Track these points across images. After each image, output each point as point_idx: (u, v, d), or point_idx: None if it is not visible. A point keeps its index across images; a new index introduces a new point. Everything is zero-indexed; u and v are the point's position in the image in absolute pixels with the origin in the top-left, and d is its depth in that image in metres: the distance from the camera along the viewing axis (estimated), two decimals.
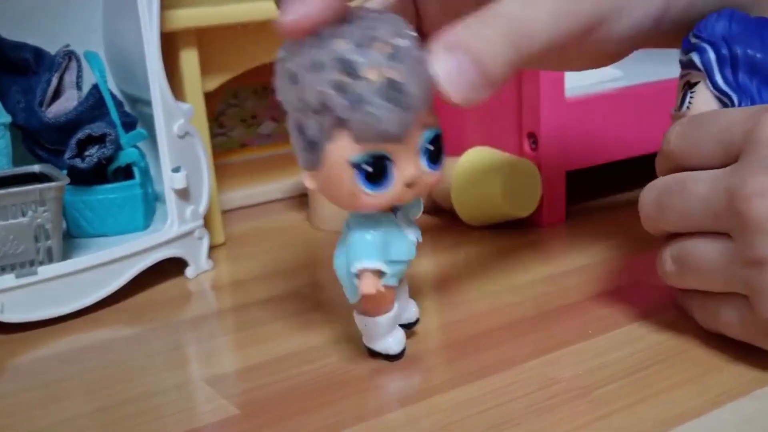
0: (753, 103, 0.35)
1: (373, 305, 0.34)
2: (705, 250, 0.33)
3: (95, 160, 0.46)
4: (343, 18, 0.30)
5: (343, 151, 0.30)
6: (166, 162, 0.47)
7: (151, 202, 0.50)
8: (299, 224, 0.58)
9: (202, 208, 0.49)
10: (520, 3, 0.31)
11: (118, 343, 0.41)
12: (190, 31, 0.50)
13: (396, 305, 0.35)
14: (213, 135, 0.63)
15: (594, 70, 0.62)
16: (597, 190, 0.60)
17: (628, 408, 0.31)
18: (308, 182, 0.32)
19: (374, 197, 0.31)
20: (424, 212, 0.56)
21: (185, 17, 0.49)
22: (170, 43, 0.50)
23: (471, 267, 0.48)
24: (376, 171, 0.30)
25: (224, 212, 0.59)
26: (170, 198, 0.47)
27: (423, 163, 0.31)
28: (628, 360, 0.34)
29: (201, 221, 0.49)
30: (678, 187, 0.33)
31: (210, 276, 0.49)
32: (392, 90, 0.29)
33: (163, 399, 0.35)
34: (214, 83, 0.53)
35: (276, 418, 0.32)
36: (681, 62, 0.37)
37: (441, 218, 0.57)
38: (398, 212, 0.34)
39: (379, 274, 0.33)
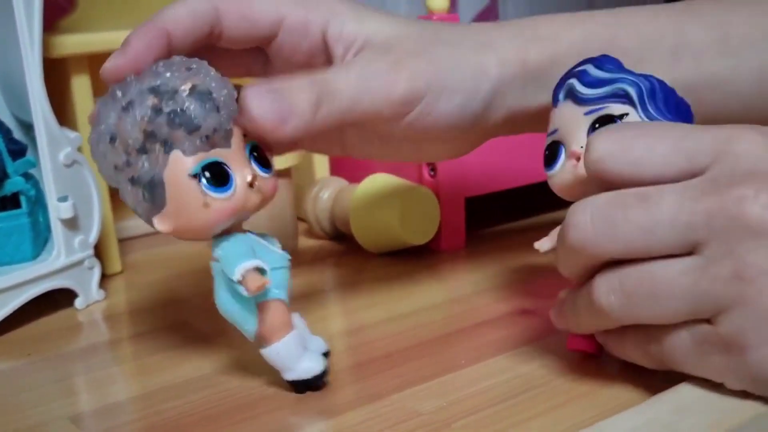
0: None
1: (272, 324, 0.34)
2: (664, 273, 0.29)
3: None
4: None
5: (181, 168, 0.32)
6: (51, 191, 0.46)
7: (43, 231, 0.49)
8: (201, 251, 0.57)
9: (92, 237, 0.48)
10: (333, 70, 0.36)
11: None
12: (82, 57, 0.49)
13: (296, 325, 0.35)
14: None
15: None
16: (498, 215, 0.60)
17: None
18: (160, 226, 0.33)
19: (224, 201, 0.32)
20: (328, 238, 0.58)
21: (75, 43, 0.48)
22: (60, 69, 0.49)
23: (366, 294, 0.48)
24: (216, 174, 0.32)
25: (125, 240, 0.59)
26: (56, 228, 0.46)
27: (256, 167, 0.34)
28: (492, 391, 0.34)
29: (91, 251, 0.48)
30: (635, 200, 0.29)
31: (102, 306, 0.48)
32: (201, 94, 0.32)
33: None
34: None
35: None
36: (586, 97, 0.35)
37: (343, 244, 0.57)
38: (253, 234, 0.35)
39: (260, 272, 0.33)
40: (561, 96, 0.36)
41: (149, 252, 0.58)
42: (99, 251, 0.50)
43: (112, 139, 0.32)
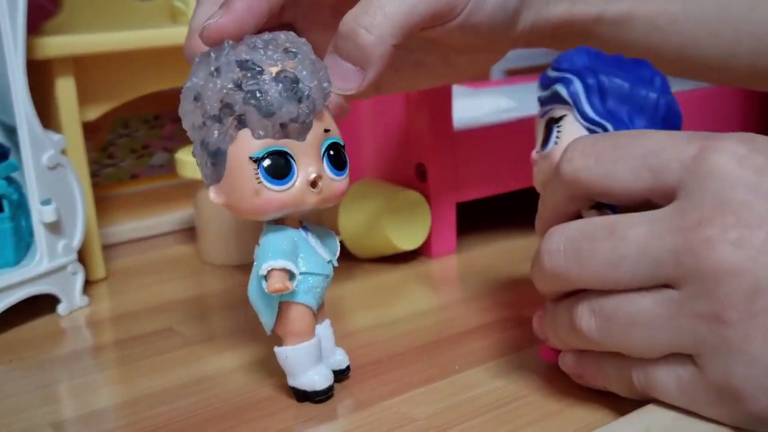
0: (627, 129, 0.33)
1: (290, 327, 0.33)
2: (641, 302, 0.28)
3: None
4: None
5: (245, 149, 0.31)
6: (34, 194, 0.45)
7: (25, 236, 0.48)
8: (187, 258, 0.56)
9: (76, 242, 0.47)
10: None
11: None
12: (67, 59, 0.48)
13: (318, 336, 0.34)
14: (102, 166, 0.61)
15: (487, 100, 0.62)
16: (489, 219, 0.60)
17: None
18: (213, 197, 0.33)
19: (277, 192, 0.31)
20: None
21: (60, 44, 0.48)
22: (45, 71, 0.48)
23: (356, 299, 0.47)
24: (276, 164, 0.31)
25: (111, 246, 0.58)
26: (39, 232, 0.45)
27: (326, 167, 0.32)
28: (486, 397, 0.34)
29: (74, 256, 0.47)
30: (604, 231, 0.28)
31: (85, 312, 0.47)
32: (287, 81, 0.31)
33: None
34: (94, 113, 0.52)
35: None
36: (540, 99, 0.36)
37: None
38: (308, 232, 0.35)
39: (288, 274, 0.32)
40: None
41: (133, 258, 0.57)
42: (82, 257, 0.49)
43: (196, 99, 0.32)
